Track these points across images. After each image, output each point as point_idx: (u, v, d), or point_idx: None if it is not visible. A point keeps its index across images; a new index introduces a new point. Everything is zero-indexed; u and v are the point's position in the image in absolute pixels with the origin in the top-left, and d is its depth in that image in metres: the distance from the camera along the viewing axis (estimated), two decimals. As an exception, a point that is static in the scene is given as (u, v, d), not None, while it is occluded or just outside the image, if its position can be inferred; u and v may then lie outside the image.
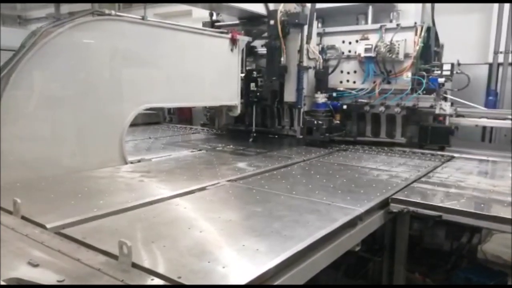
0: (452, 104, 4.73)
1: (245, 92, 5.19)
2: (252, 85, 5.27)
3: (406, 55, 4.68)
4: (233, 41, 4.69)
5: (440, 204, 2.62)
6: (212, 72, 4.55)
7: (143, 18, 3.70)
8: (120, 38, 3.55)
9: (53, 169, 3.10)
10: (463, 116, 4.79)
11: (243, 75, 5.15)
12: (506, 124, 4.61)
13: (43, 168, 3.06)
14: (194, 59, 4.29)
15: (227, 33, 4.69)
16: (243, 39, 4.82)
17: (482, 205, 2.62)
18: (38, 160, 3.06)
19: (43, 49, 3.01)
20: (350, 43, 5.14)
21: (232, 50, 4.71)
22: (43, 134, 3.13)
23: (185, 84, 4.22)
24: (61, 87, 3.20)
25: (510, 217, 2.38)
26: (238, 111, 4.98)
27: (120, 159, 3.61)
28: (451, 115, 4.69)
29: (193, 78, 4.31)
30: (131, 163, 3.68)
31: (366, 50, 4.81)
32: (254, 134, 5.30)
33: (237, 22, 5.38)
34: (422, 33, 4.62)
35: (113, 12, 3.47)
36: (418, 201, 2.70)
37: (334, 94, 5.06)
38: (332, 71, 5.15)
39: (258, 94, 5.28)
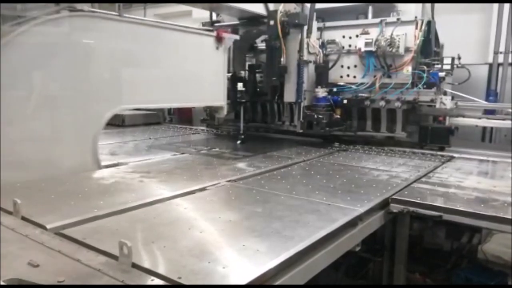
0: (452, 98, 4.72)
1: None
2: (240, 85, 5.12)
3: (407, 49, 4.68)
4: (219, 39, 4.50)
5: (440, 204, 2.63)
6: (196, 71, 4.34)
7: (119, 15, 3.49)
8: (95, 36, 3.35)
9: (22, 173, 2.90)
10: (463, 116, 4.78)
11: (230, 74, 4.98)
12: (506, 124, 4.60)
13: (14, 172, 2.86)
14: (176, 57, 4.10)
15: (212, 31, 4.51)
16: (229, 37, 4.64)
17: (482, 205, 2.62)
18: (8, 163, 2.84)
19: (5, 49, 2.82)
20: (350, 37, 5.14)
21: (217, 48, 4.52)
22: (12, 136, 2.93)
23: (166, 84, 4.03)
24: (29, 87, 3.03)
25: (510, 217, 2.38)
26: (225, 112, 4.80)
27: (93, 163, 3.41)
28: (451, 114, 4.67)
29: (175, 77, 4.10)
30: (107, 167, 3.52)
31: (367, 44, 4.80)
32: (242, 136, 5.16)
33: (237, 22, 5.38)
34: (423, 27, 4.61)
35: (85, 8, 3.25)
36: (418, 201, 2.70)
37: (335, 89, 5.06)
38: (333, 66, 5.15)
39: (258, 90, 5.23)
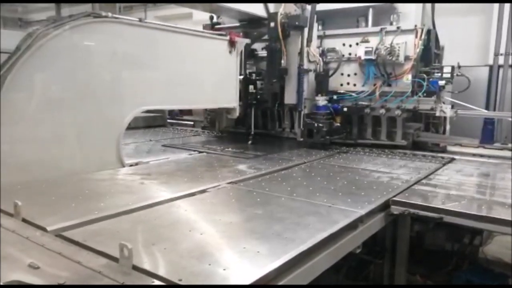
0: (452, 107, 4.73)
1: (243, 94, 5.20)
2: (251, 87, 5.25)
3: (407, 58, 4.68)
4: (232, 43, 4.65)
5: (441, 206, 2.62)
6: (211, 74, 4.53)
7: (140, 20, 3.68)
8: (117, 40, 3.53)
9: (51, 171, 3.08)
10: (460, 144, 4.82)
11: (241, 77, 5.13)
12: (504, 154, 4.50)
13: (41, 171, 3.04)
14: (192, 61, 4.27)
15: (225, 35, 4.67)
16: (241, 41, 4.79)
17: (483, 207, 2.62)
18: (35, 163, 3.04)
19: (39, 52, 2.98)
20: (350, 45, 5.14)
21: (230, 52, 4.67)
22: (40, 137, 3.10)
23: (183, 86, 4.20)
24: (57, 89, 3.17)
25: (510, 219, 2.38)
26: (237, 113, 4.95)
27: (117, 162, 3.59)
28: (449, 142, 4.75)
29: (191, 80, 4.28)
30: (131, 165, 3.67)
31: (367, 52, 4.81)
32: (251, 137, 5.24)
33: (238, 24, 5.39)
34: (423, 36, 4.63)
35: (110, 14, 3.45)
36: (419, 203, 2.69)
37: (335, 97, 5.06)
38: (333, 74, 5.15)
39: (258, 96, 5.30)
